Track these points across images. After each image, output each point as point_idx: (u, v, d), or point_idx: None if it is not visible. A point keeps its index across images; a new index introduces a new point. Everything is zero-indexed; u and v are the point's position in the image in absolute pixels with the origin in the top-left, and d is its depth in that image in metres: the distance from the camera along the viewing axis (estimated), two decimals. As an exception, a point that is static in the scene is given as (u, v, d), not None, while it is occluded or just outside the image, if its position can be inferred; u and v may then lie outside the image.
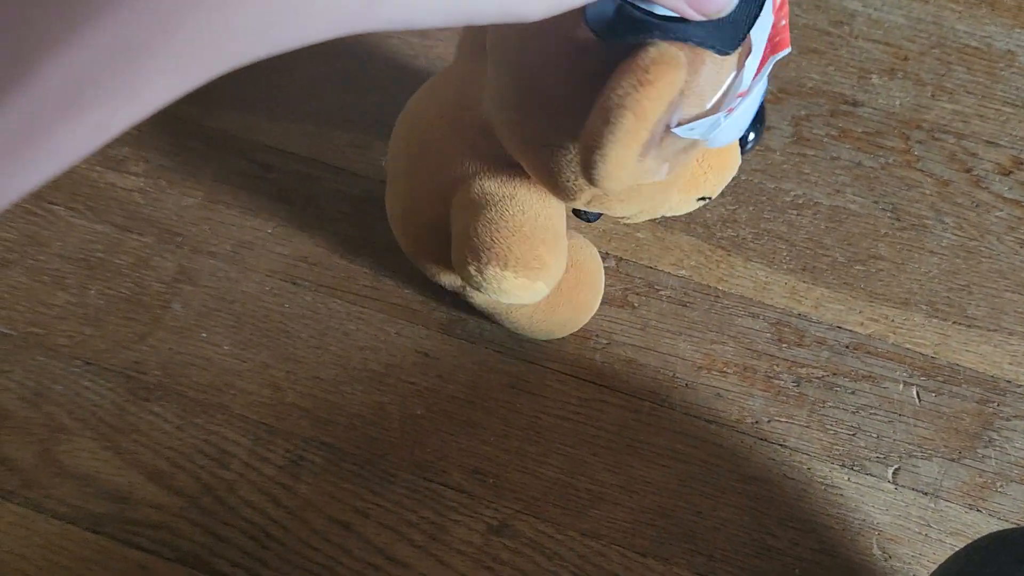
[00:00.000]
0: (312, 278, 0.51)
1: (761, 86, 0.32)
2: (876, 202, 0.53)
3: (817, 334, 0.50)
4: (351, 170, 0.53)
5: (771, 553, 0.46)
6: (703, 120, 0.30)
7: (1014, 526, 0.46)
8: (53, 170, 0.18)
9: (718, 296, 0.51)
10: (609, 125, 0.26)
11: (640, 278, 0.51)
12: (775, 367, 0.49)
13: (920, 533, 0.46)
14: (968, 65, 0.56)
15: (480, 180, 0.38)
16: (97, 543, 0.46)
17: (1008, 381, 0.49)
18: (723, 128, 0.31)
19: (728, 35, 0.27)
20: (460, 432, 0.48)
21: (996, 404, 0.48)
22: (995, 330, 0.50)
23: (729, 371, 0.49)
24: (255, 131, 0.54)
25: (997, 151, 0.54)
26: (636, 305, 0.50)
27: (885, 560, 0.46)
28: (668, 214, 0.41)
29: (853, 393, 0.48)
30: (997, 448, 0.48)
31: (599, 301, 0.48)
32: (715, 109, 0.30)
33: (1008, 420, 0.48)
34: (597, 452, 0.48)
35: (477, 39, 0.37)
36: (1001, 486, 0.47)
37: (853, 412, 0.48)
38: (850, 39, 0.56)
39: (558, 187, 0.35)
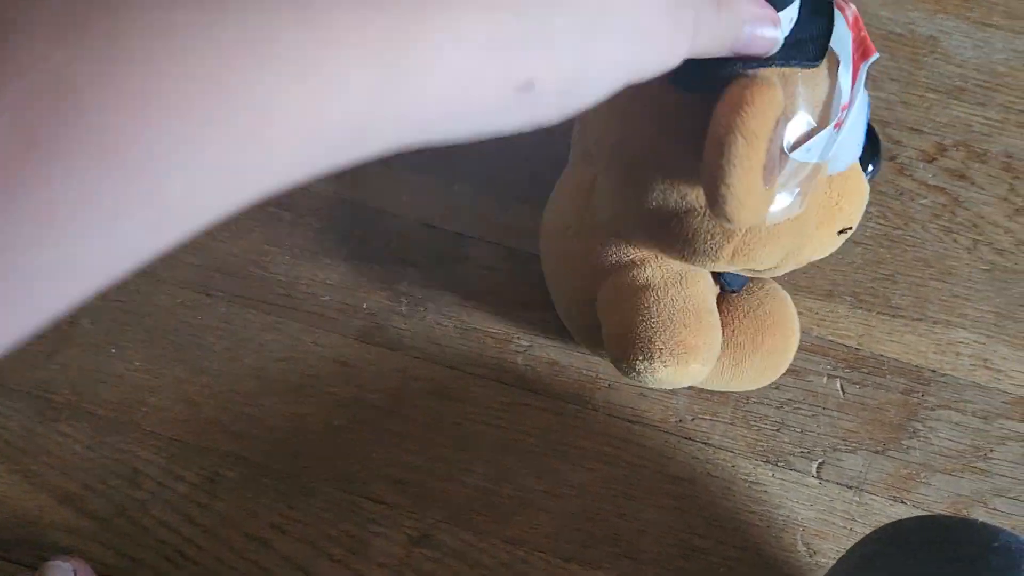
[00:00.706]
0: (226, 289, 0.49)
1: (863, 98, 0.32)
2: (800, 193, 0.52)
3: (742, 329, 0.49)
4: (267, 176, 0.52)
5: (696, 553, 0.45)
6: (816, 139, 0.30)
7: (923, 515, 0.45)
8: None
9: (642, 294, 0.50)
10: (724, 155, 0.27)
11: (563, 278, 0.50)
12: (699, 364, 0.48)
13: (845, 527, 0.46)
14: (892, 52, 0.55)
15: (613, 278, 0.39)
16: (7, 570, 0.45)
17: (932, 370, 0.49)
18: (839, 145, 0.31)
19: (807, 50, 0.28)
20: (381, 442, 0.47)
21: (920, 394, 0.48)
22: (920, 319, 0.50)
23: (653, 370, 0.48)
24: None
25: (921, 138, 0.54)
26: (559, 306, 0.50)
27: (810, 556, 0.45)
28: (815, 257, 0.39)
29: (777, 388, 0.48)
30: (922, 439, 0.47)
31: (796, 338, 0.45)
32: (823, 124, 0.31)
33: (933, 410, 0.48)
34: (521, 457, 0.47)
35: (585, 144, 0.39)
36: (926, 477, 0.47)
37: (777, 407, 0.48)
38: (773, 28, 0.56)
39: (698, 252, 0.35)
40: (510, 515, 0.46)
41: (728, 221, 0.28)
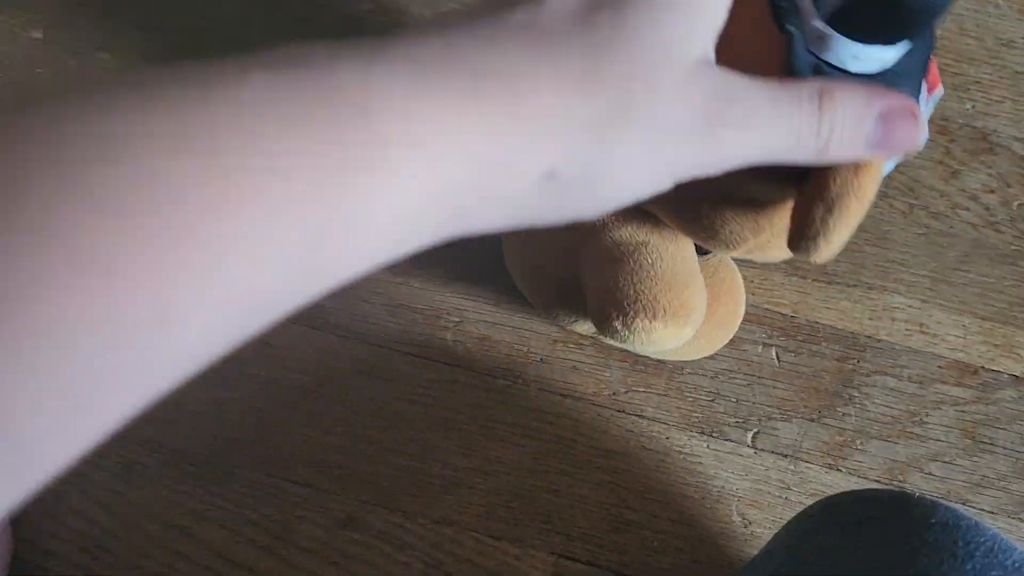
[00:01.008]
0: (142, 270, 0.48)
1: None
2: (735, 160, 0.51)
3: (675, 299, 0.48)
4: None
5: (629, 527, 0.44)
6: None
7: (864, 488, 0.45)
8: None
9: (574, 266, 0.49)
10: (834, 215, 0.26)
11: (493, 253, 0.49)
12: (633, 336, 0.47)
13: (780, 496, 0.45)
14: (827, 15, 0.54)
15: (610, 232, 0.37)
16: (-87, 567, 0.43)
17: (868, 336, 0.48)
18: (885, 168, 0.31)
19: (908, 87, 0.28)
20: (305, 424, 0.46)
21: (856, 360, 0.47)
22: (855, 285, 0.49)
23: (586, 343, 0.47)
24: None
25: (857, 102, 0.53)
26: (489, 280, 0.48)
27: (745, 527, 0.45)
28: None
29: (712, 358, 0.47)
30: (857, 405, 0.47)
31: (743, 307, 0.45)
32: None
33: (868, 376, 0.47)
34: (449, 435, 0.46)
35: None
36: (861, 443, 0.46)
37: (711, 377, 0.47)
38: None
39: (717, 240, 0.33)
40: (439, 495, 0.45)
41: (808, 260, 0.28)
